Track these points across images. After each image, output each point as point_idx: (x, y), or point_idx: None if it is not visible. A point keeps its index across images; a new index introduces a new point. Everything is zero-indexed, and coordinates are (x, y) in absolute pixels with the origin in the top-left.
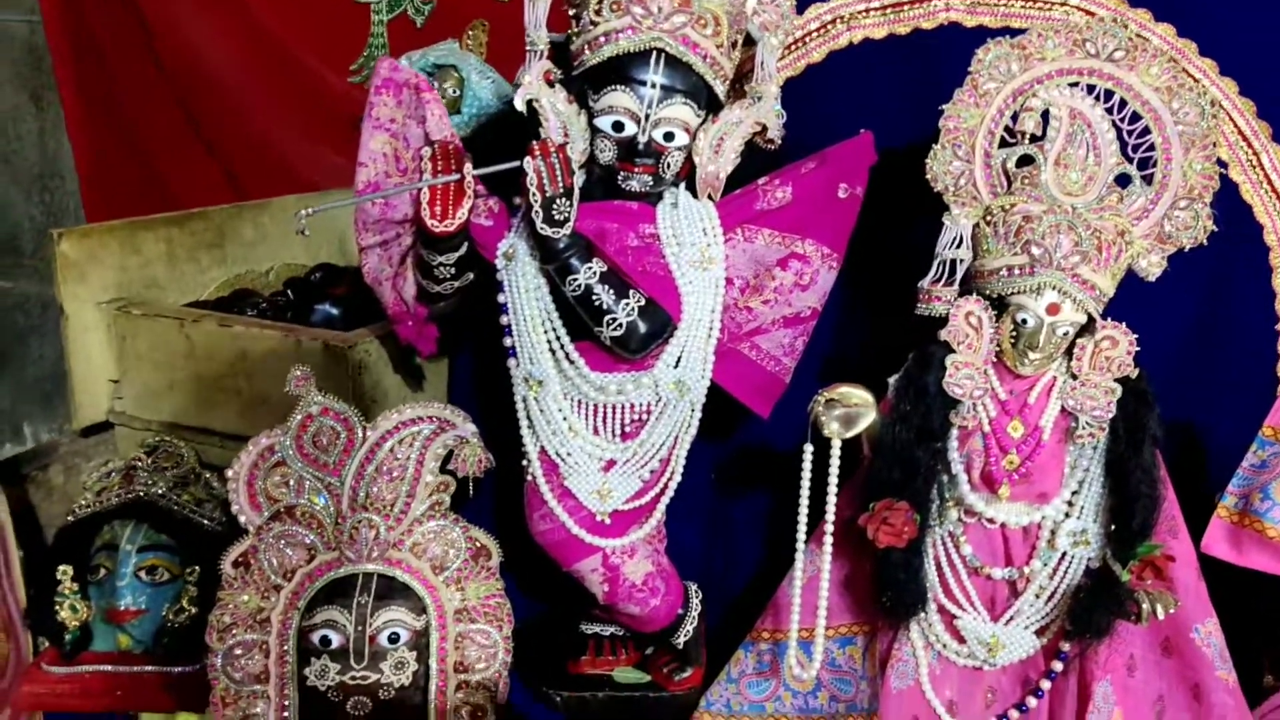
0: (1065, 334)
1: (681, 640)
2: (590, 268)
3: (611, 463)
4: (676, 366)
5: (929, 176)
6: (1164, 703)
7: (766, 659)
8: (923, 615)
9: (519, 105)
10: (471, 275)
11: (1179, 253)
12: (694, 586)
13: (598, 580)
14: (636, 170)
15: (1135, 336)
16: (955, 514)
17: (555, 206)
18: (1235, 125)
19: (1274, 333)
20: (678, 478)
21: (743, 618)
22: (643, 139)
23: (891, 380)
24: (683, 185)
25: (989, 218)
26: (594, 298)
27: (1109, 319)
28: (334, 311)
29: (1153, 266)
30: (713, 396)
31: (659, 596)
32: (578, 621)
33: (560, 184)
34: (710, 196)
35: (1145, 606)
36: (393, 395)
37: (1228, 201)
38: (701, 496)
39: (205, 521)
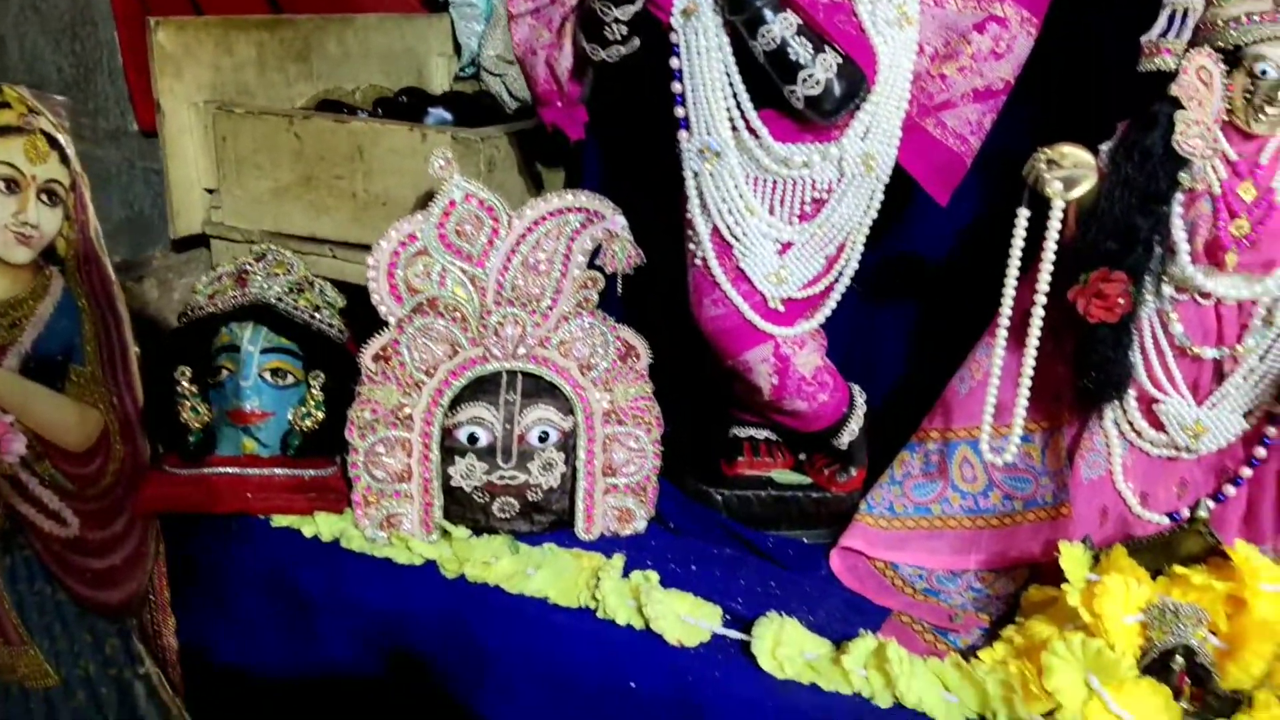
0: None
1: (846, 441)
2: (786, 18)
3: (788, 245)
4: (865, 138)
5: None
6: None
7: (934, 459)
8: (1118, 402)
9: None
10: (638, 42)
11: None
12: (858, 388)
13: (768, 371)
14: None
15: None
16: (1168, 290)
17: None
18: None
19: None
20: (854, 265)
21: (888, 427)
22: None
23: (1103, 148)
24: None
25: None
26: (790, 51)
27: None
28: (448, 115)
29: None
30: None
31: (827, 392)
32: (729, 426)
33: None
34: None
35: None
36: (517, 200)
37: None
38: (845, 304)
39: (326, 327)
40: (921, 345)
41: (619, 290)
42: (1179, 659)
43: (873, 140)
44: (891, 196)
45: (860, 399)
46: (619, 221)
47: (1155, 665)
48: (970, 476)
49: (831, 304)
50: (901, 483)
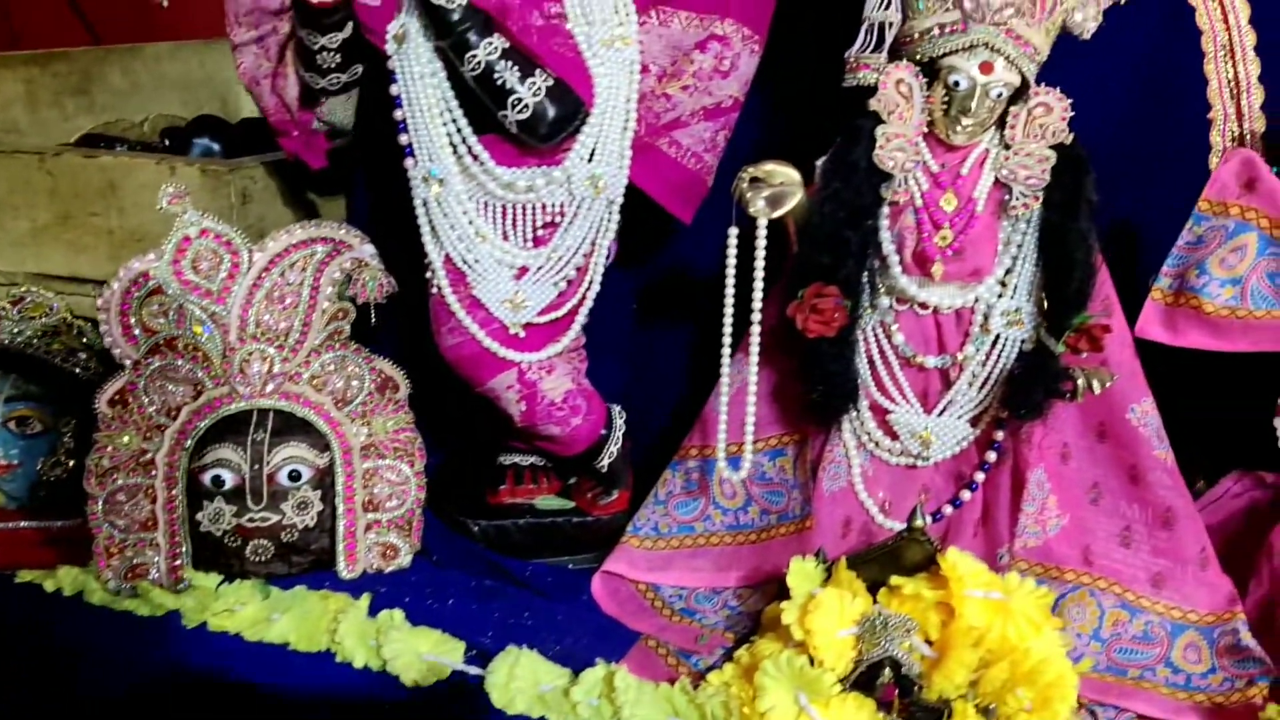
0: (999, 96)
1: (605, 463)
2: (490, 43)
3: (524, 270)
4: (591, 160)
5: None
6: (1100, 489)
7: (694, 477)
8: (854, 414)
9: None
10: (360, 69)
11: (1112, 33)
12: (617, 408)
13: (514, 398)
14: None
15: (1070, 101)
16: (886, 301)
17: None
18: None
19: (1206, 120)
20: (596, 287)
21: (668, 448)
22: None
23: (819, 163)
24: None
25: None
26: (495, 76)
27: (1043, 84)
28: (215, 146)
29: (1088, 21)
30: (632, 214)
31: (581, 415)
32: (497, 453)
33: None
34: None
35: (1080, 382)
36: None
37: None
38: (621, 326)
39: (78, 370)
40: (700, 362)
41: (372, 320)
42: (886, 671)
43: (600, 162)
44: (662, 215)
45: (619, 419)
46: (368, 250)
47: (864, 678)
48: (730, 493)
49: (578, 326)
50: (665, 502)
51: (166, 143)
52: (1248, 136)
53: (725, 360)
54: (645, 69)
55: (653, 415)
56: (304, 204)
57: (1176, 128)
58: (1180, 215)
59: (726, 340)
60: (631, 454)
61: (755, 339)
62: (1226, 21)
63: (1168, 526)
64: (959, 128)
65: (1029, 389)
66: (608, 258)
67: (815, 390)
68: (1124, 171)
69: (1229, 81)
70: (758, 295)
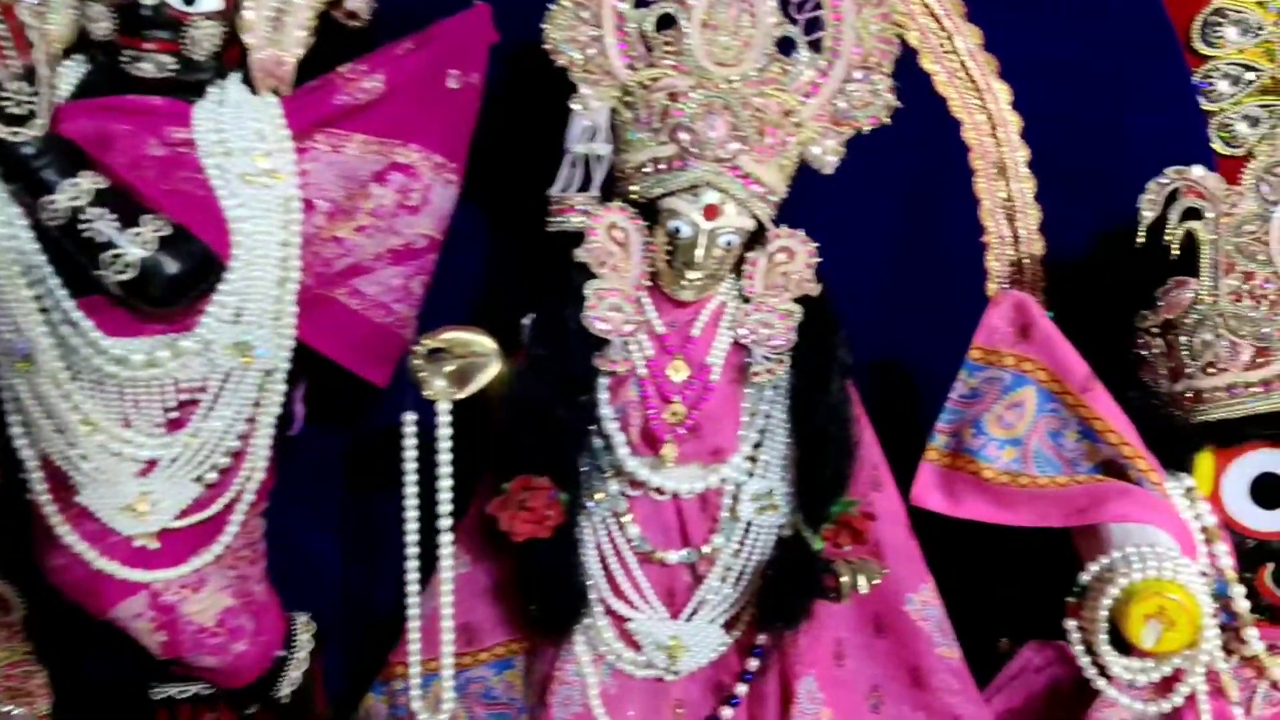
0: (730, 244)
1: (286, 691)
2: (76, 184)
3: (152, 463)
4: (237, 323)
5: (548, 47)
6: (880, 693)
7: (401, 701)
8: (588, 622)
9: None
10: None
11: (872, 154)
12: (304, 618)
13: (148, 628)
14: (148, 47)
15: (815, 246)
16: (616, 487)
17: (8, 95)
18: (923, 3)
19: (980, 245)
20: (259, 476)
21: (392, 646)
22: (150, 0)
23: (526, 321)
24: (236, 76)
25: (628, 99)
26: (83, 227)
27: (784, 226)
28: None
29: (828, 154)
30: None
31: (245, 639)
32: (147, 682)
33: (12, 61)
34: (276, 90)
35: (845, 579)
36: None
37: (921, 94)
38: (332, 493)
39: None
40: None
41: None
42: None
43: (249, 324)
44: None
45: (305, 634)
46: None
47: None
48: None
49: (235, 526)
50: None
51: None
52: (1025, 260)
53: (409, 560)
54: (310, 206)
55: (377, 599)
56: None
57: (949, 254)
58: (959, 354)
59: (410, 540)
60: (347, 667)
61: (446, 552)
62: (995, 135)
63: None
64: (685, 281)
65: (784, 593)
66: (291, 427)
67: (534, 603)
68: (898, 303)
69: (1003, 201)
70: (444, 497)
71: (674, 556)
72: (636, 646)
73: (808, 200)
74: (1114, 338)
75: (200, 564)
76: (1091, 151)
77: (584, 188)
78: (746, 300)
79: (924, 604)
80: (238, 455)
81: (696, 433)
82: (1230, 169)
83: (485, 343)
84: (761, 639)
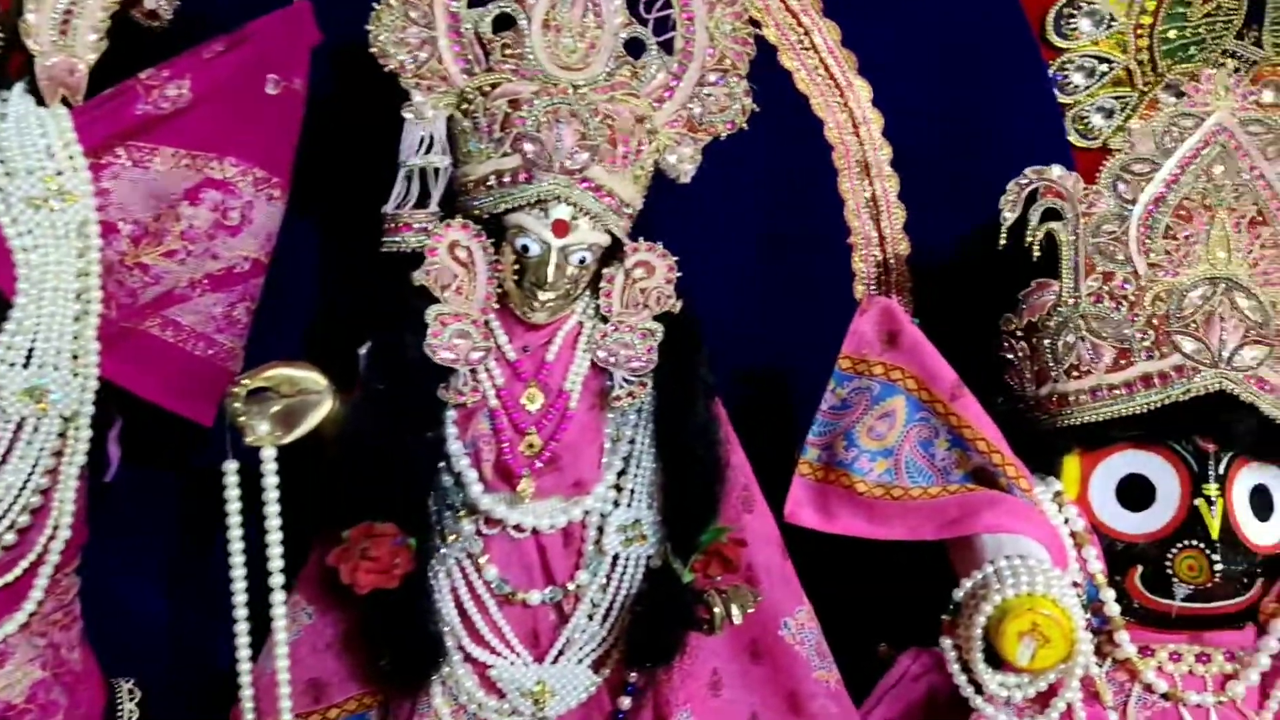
0: (583, 262)
1: None
2: None
3: None
4: (27, 365)
5: (374, 50)
6: None
7: None
8: (446, 671)
9: None
10: None
11: (735, 156)
12: (128, 685)
13: None
14: None
15: (675, 260)
16: (470, 527)
17: None
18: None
19: (847, 247)
20: (65, 533)
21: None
22: None
23: (362, 352)
24: (20, 86)
25: (466, 106)
26: None
27: (642, 240)
28: None
29: (684, 163)
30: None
31: (58, 715)
32: None
33: None
34: (66, 101)
35: (718, 610)
36: None
37: (781, 93)
38: (156, 543)
39: None
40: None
41: None
42: None
43: (43, 366)
44: None
45: (130, 704)
46: None
47: None
48: None
49: (39, 591)
50: None
51: None
52: (891, 261)
53: (239, 617)
54: (113, 228)
55: (219, 653)
56: None
57: (817, 257)
58: (830, 361)
59: (238, 593)
60: None
61: (279, 613)
62: (858, 133)
63: None
64: (536, 303)
65: (654, 629)
66: (105, 473)
67: (383, 657)
68: (767, 310)
69: (867, 201)
70: (274, 552)
71: (536, 596)
72: (500, 694)
73: (667, 206)
74: (980, 342)
75: (3, 634)
76: (952, 147)
77: (422, 203)
78: (604, 320)
79: (800, 627)
80: (40, 511)
81: (555, 464)
82: (1087, 161)
83: (315, 379)
84: (634, 677)
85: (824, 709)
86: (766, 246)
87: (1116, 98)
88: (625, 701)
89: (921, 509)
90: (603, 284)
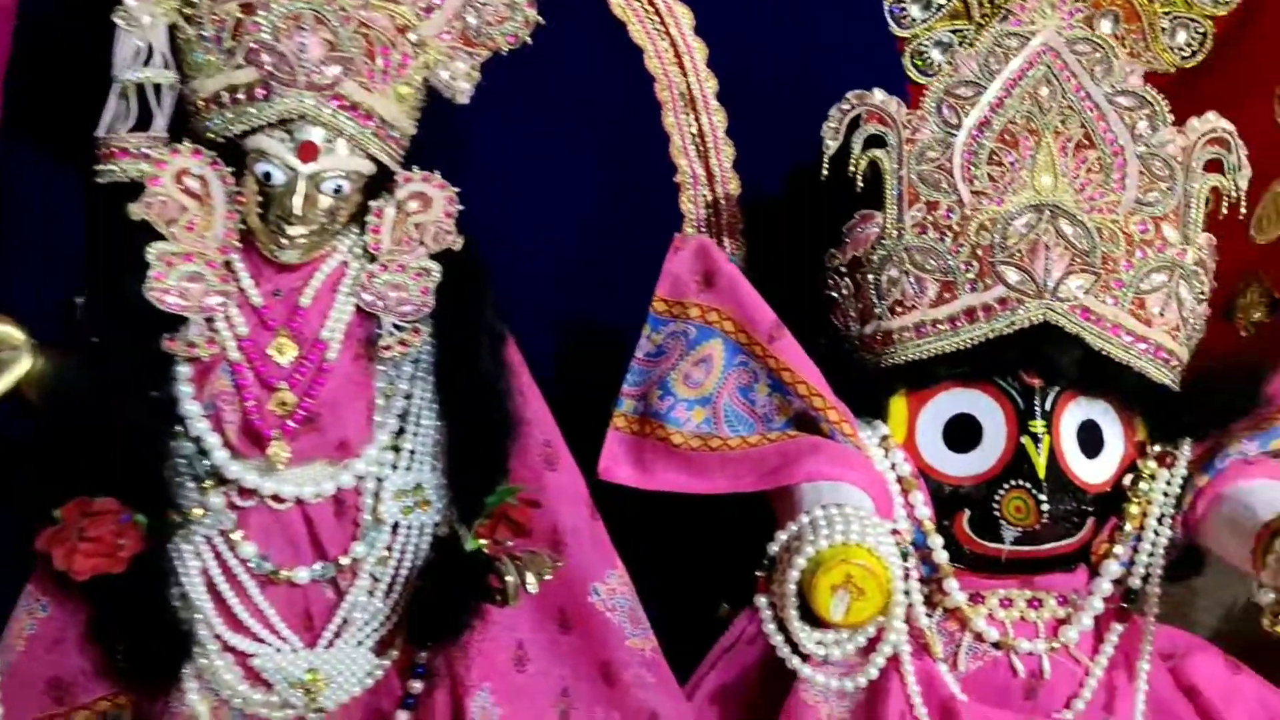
0: (339, 191)
1: None
2: None
3: None
4: None
5: None
6: (570, 697)
7: None
8: (202, 664)
9: None
10: None
11: (550, 86)
12: None
13: None
14: None
15: (456, 191)
16: (219, 499)
17: None
18: None
19: (674, 185)
20: None
21: None
22: None
23: (79, 300)
24: None
25: (189, 10)
26: None
27: (419, 168)
28: None
29: (459, 80)
30: None
31: None
32: None
33: None
34: None
35: (510, 579)
36: None
37: (598, 18)
38: None
39: None
40: None
41: None
42: None
43: None
44: None
45: None
46: None
47: None
48: None
49: None
50: None
51: None
52: (721, 201)
53: None
54: None
55: None
56: None
57: (644, 197)
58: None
59: None
60: None
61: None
62: (681, 65)
63: None
64: (285, 240)
65: (438, 604)
66: None
67: (117, 651)
68: (596, 257)
69: (694, 137)
70: None
71: (305, 574)
72: (267, 685)
73: (482, 139)
74: (808, 281)
75: None
76: (783, 81)
77: (143, 125)
78: (373, 259)
79: (611, 593)
80: None
81: (314, 424)
82: None
83: (10, 333)
84: (423, 656)
85: (639, 678)
86: (591, 187)
87: (954, 31)
88: (416, 685)
89: (742, 459)
90: (370, 218)
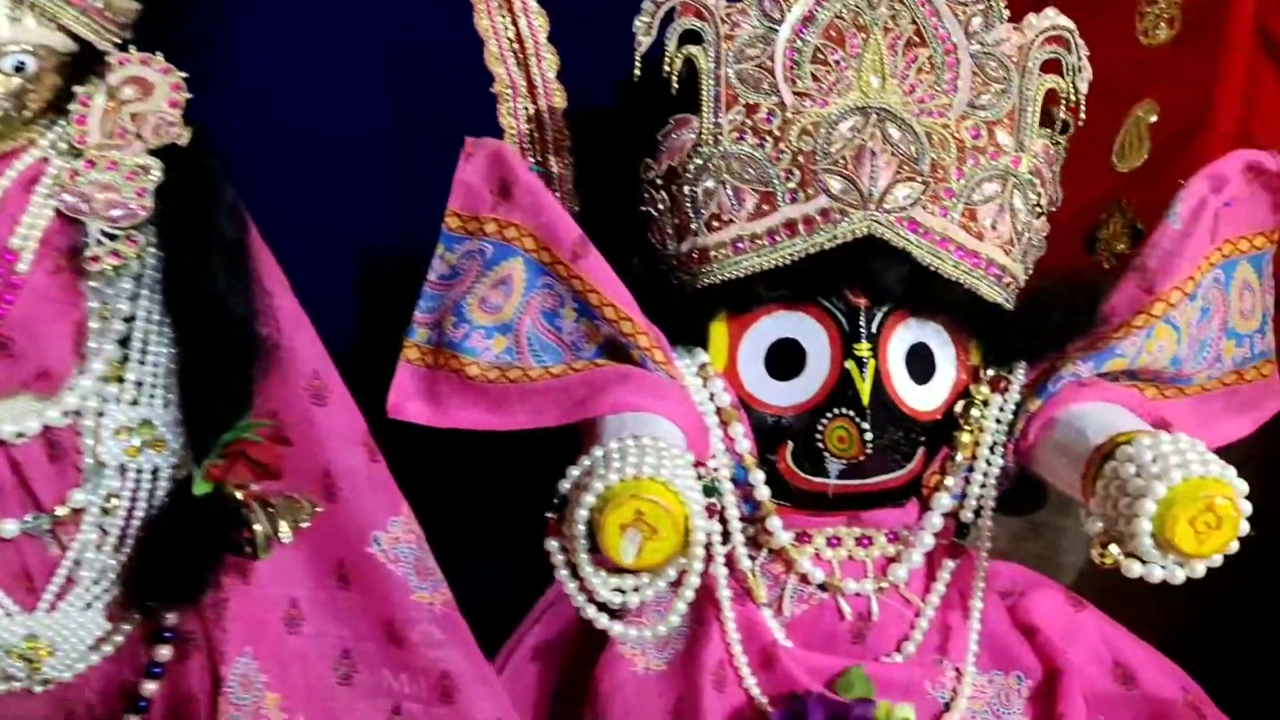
0: (22, 68)
1: None
2: None
3: None
4: None
5: None
6: (353, 658)
7: None
8: None
9: None
10: None
11: None
12: None
13: None
14: None
15: (183, 77)
16: None
17: None
18: None
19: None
20: None
21: None
22: None
23: None
24: None
25: None
26: None
27: (135, 50)
28: None
29: None
30: None
31: None
32: None
33: None
34: None
35: (259, 528)
36: None
37: None
38: None
39: None
40: None
41: None
42: None
43: None
44: None
45: None
46: None
47: None
48: None
49: None
50: None
51: None
52: (545, 115)
53: None
54: None
55: None
56: None
57: (458, 108)
58: None
59: None
60: None
61: None
62: None
63: (447, 699)
64: None
65: (163, 556)
66: None
67: None
68: (405, 177)
69: (510, 42)
70: None
71: (12, 527)
72: None
73: (281, 46)
74: (625, 196)
75: None
76: None
77: None
78: (78, 155)
79: (395, 541)
80: None
81: (6, 350)
82: None
83: None
84: (171, 618)
85: (427, 635)
86: (396, 96)
87: None
88: (163, 651)
89: (545, 391)
90: (75, 106)
